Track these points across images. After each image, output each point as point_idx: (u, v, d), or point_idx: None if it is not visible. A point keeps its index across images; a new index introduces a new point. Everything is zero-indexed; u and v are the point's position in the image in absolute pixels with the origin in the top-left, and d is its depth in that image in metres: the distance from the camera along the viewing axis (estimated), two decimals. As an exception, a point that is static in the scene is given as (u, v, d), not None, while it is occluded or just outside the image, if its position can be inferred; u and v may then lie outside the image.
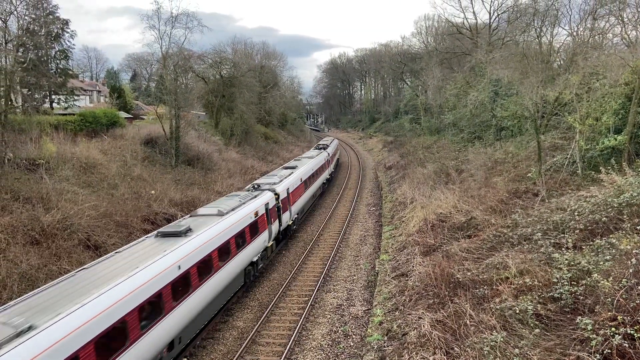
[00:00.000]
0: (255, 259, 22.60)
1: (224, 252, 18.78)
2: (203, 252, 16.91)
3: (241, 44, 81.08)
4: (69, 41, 40.50)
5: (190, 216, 20.93)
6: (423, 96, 66.01)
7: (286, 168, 36.35)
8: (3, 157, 25.56)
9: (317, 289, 22.58)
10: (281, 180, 29.28)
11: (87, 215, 23.21)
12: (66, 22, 39.51)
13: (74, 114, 38.82)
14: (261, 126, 73.13)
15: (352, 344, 17.51)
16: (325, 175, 45.50)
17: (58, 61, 40.55)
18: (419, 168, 41.10)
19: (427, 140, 55.64)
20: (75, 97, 43.05)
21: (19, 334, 9.82)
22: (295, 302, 21.43)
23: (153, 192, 30.36)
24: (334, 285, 23.21)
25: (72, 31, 40.10)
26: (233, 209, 21.29)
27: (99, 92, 78.75)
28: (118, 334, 12.03)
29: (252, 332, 18.50)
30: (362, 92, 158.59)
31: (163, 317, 14.10)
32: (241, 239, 20.63)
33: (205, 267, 17.04)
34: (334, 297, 21.77)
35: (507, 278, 14.05)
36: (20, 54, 30.85)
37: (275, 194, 26.60)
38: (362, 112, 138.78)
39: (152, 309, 13.69)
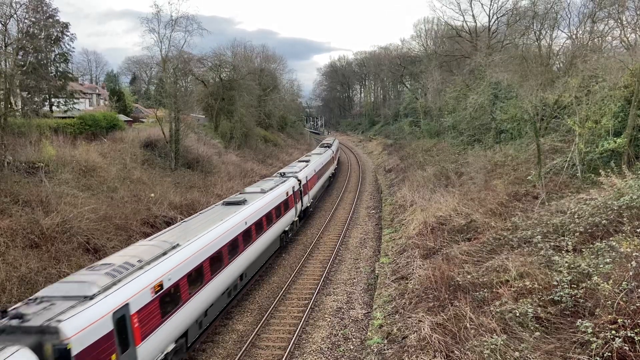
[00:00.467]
0: (286, 229, 28.93)
1: (269, 218, 24.93)
2: (257, 216, 23.08)
3: (241, 47, 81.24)
4: (68, 44, 40.62)
5: (240, 193, 27.03)
6: (423, 99, 66.10)
7: (301, 161, 42.90)
8: (3, 160, 25.57)
9: (317, 292, 22.55)
10: (301, 170, 35.80)
11: (87, 218, 23.20)
12: (66, 26, 39.59)
13: (73, 117, 38.85)
14: (261, 129, 73.18)
15: (352, 347, 17.49)
16: (331, 169, 52.29)
17: (58, 64, 40.65)
18: (419, 171, 41.13)
19: (426, 143, 55.66)
20: (75, 100, 43.06)
21: (174, 247, 15.98)
22: (295, 305, 21.41)
23: (153, 195, 30.35)
24: (333, 288, 23.18)
25: (72, 34, 40.24)
26: (271, 189, 27.44)
27: (98, 95, 78.84)
28: (218, 259, 18.26)
29: (252, 336, 18.48)
30: (362, 95, 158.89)
31: (238, 255, 20.27)
32: (277, 211, 26.53)
33: (259, 226, 23.25)
34: (333, 300, 21.74)
35: (507, 281, 14.04)
36: (20, 57, 30.91)
37: (298, 180, 32.78)
38: (362, 115, 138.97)
39: (232, 248, 19.74)
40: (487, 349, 11.00)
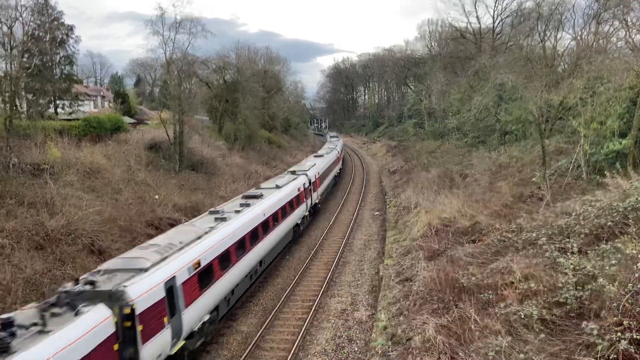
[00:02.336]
0: (298, 222, 30.97)
1: (283, 211, 27.05)
2: (273, 209, 25.28)
3: (245, 49, 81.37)
4: (73, 47, 40.80)
5: (256, 188, 29.25)
6: (427, 101, 66.05)
7: (308, 160, 45.44)
8: (8, 162, 25.73)
9: (321, 294, 22.56)
10: (310, 169, 37.64)
11: (91, 220, 23.31)
12: (71, 28, 39.83)
13: (78, 119, 39.03)
14: (265, 131, 73.25)
15: (356, 349, 17.49)
16: (336, 169, 54.20)
17: (63, 67, 40.83)
18: (423, 173, 41.09)
19: (431, 145, 55.62)
20: (80, 103, 43.23)
21: (207, 232, 18.49)
22: (300, 307, 21.43)
23: (157, 197, 30.47)
24: (338, 290, 23.20)
25: (77, 37, 40.42)
26: (285, 185, 29.76)
27: (103, 97, 79.19)
28: (242, 245, 20.53)
29: (256, 337, 18.51)
30: (366, 96, 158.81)
31: (258, 242, 22.51)
32: (290, 205, 28.65)
33: (275, 218, 25.30)
34: (338, 302, 21.75)
35: (512, 283, 14.02)
36: (25, 59, 31.10)
37: (308, 178, 34.74)
38: (366, 117, 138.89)
39: (253, 236, 21.96)
40: (492, 351, 11.00)
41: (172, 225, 27.21)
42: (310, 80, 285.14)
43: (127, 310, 12.44)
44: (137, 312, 12.67)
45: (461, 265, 17.37)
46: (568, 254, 14.39)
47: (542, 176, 23.63)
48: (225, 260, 18.73)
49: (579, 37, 35.76)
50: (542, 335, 11.24)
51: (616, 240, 13.83)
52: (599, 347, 9.73)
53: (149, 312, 13.18)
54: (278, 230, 25.90)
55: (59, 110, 41.65)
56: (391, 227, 31.82)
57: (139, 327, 12.74)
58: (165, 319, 14.02)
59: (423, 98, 68.36)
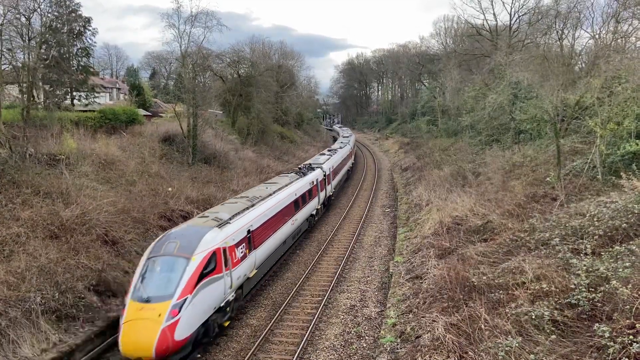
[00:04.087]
0: (313, 213, 33.53)
1: (303, 198, 30.46)
2: (297, 193, 29.20)
3: (259, 43, 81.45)
4: (90, 39, 41.12)
5: (281, 176, 33.55)
6: (441, 98, 65.53)
7: (322, 154, 48.15)
8: (25, 152, 26.06)
9: (331, 289, 22.62)
10: (324, 162, 40.30)
11: (106, 210, 23.56)
12: (88, 20, 40.12)
13: (94, 111, 39.41)
14: (277, 126, 73.35)
15: (364, 345, 17.51)
16: (349, 163, 57.27)
17: (80, 58, 41.19)
18: (436, 170, 40.88)
19: (444, 143, 55.26)
20: (96, 94, 43.62)
21: (253, 205, 22.99)
22: (309, 302, 21.50)
23: (170, 189, 30.69)
24: (347, 286, 23.23)
25: (94, 29, 40.72)
26: (305, 175, 33.54)
27: (118, 89, 79.82)
28: (294, 205, 27.89)
29: (266, 331, 18.62)
30: (379, 93, 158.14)
31: (291, 216, 27.28)
32: (309, 193, 32.07)
33: (296, 204, 28.71)
34: (347, 298, 21.78)
35: (524, 283, 13.92)
36: (42, 50, 31.43)
37: (323, 171, 37.51)
38: (379, 113, 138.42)
39: (289, 209, 27.04)
40: (502, 351, 10.94)
41: (185, 218, 27.56)
42: (323, 75, 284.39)
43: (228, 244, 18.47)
44: (232, 244, 18.83)
45: (472, 264, 17.28)
46: (581, 255, 14.24)
47: (556, 176, 23.36)
48: (266, 228, 23.24)
49: (597, 36, 35.18)
50: (553, 337, 11.15)
51: (631, 243, 13.66)
52: (611, 350, 9.63)
53: (241, 243, 19.81)
54: (302, 212, 29.87)
55: (75, 101, 42.11)
56: (402, 224, 31.77)
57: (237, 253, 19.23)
58: (247, 251, 20.35)
59: (437, 95, 67.82)
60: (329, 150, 52.67)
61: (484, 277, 15.38)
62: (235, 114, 59.44)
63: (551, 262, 14.47)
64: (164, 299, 15.23)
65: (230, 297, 18.65)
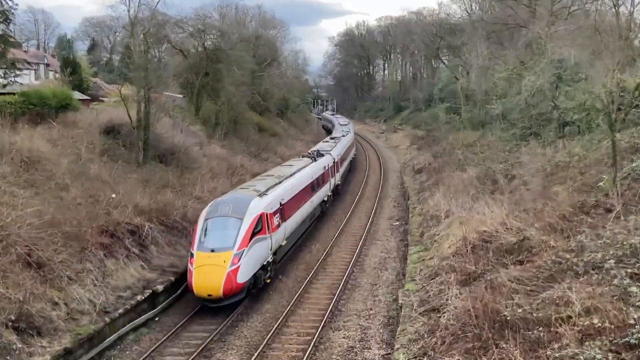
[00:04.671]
0: (325, 199, 41.20)
1: (317, 181, 38.82)
2: (317, 173, 39.33)
3: (231, 7, 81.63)
4: (9, 1, 40.74)
5: (293, 159, 44.81)
6: (464, 79, 65.93)
7: (326, 142, 58.61)
8: None
9: (323, 326, 22.63)
10: (332, 149, 49.72)
11: (29, 223, 23.28)
12: (6, -24, 39.74)
13: (14, 94, 39.11)
14: (254, 114, 73.35)
15: (366, 399, 17.50)
16: (352, 153, 66.93)
17: (-6, 25, 40.79)
18: (457, 172, 41.10)
19: (468, 136, 55.58)
20: (17, 72, 43.26)
21: (280, 182, 32.43)
22: (294, 342, 21.52)
23: (114, 196, 30.50)
24: (344, 322, 23.28)
25: (15, -13, 40.34)
26: (316, 160, 42.21)
27: (47, 65, 79.50)
28: (311, 187, 36.66)
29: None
30: (386, 72, 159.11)
31: (314, 193, 37.00)
32: (322, 178, 40.46)
33: (312, 186, 37.14)
34: (344, 337, 21.82)
35: (570, 317, 13.98)
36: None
37: (332, 157, 46.39)
38: (385, 99, 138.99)
39: (311, 186, 36.54)
40: (542, 406, 10.96)
41: (132, 233, 27.57)
42: (313, 49, 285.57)
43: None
44: (270, 212, 27.49)
45: (504, 293, 17.33)
46: (643, 281, 14.33)
47: (611, 180, 23.52)
48: (300, 197, 33.46)
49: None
50: (607, 387, 11.20)
51: None
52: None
53: (275, 213, 28.04)
54: (317, 195, 37.99)
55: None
56: (415, 241, 31.94)
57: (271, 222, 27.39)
58: (281, 222, 28.82)
59: (459, 76, 68.25)
60: (331, 138, 62.11)
61: (520, 310, 15.43)
62: (199, 99, 59.36)
63: (605, 291, 14.54)
64: (226, 249, 23.93)
65: (270, 259, 27.18)
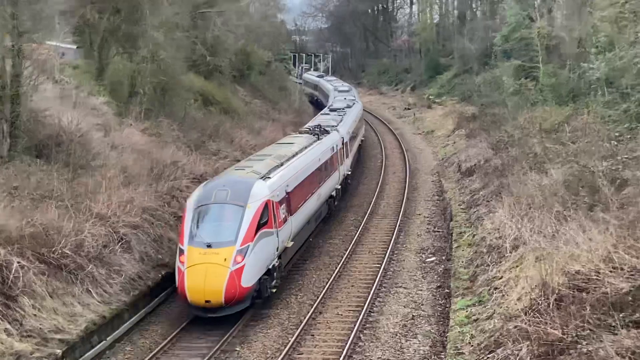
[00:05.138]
0: (333, 194, 48.88)
1: (326, 166, 46.46)
2: (323, 158, 45.93)
3: None
4: None
5: (290, 136, 52.58)
6: (544, 20, 66.17)
7: (326, 114, 67.95)
8: None
9: None
10: (338, 124, 57.35)
11: None
12: None
13: None
14: (197, 77, 73.25)
15: None
16: (361, 134, 75.04)
17: None
18: (533, 174, 41.02)
19: (550, 116, 55.74)
20: None
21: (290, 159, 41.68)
22: None
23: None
24: None
25: None
26: (321, 139, 48.89)
27: None
28: (318, 174, 44.14)
29: None
30: (415, 9, 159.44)
31: (322, 184, 44.46)
32: (330, 163, 48.03)
33: (322, 169, 44.69)
34: None
35: None
36: None
37: (340, 136, 53.91)
38: (413, 54, 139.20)
39: (318, 172, 44.07)
40: None
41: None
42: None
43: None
44: (277, 200, 32.75)
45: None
46: None
47: None
48: (306, 186, 39.64)
49: None
50: None
51: None
52: None
53: (282, 202, 33.87)
54: (325, 186, 45.12)
55: None
56: (462, 289, 32.06)
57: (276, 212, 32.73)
58: (287, 215, 34.50)
59: (535, 15, 68.51)
60: (332, 110, 69.47)
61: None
62: (104, 53, 59.14)
63: None
64: (227, 244, 28.93)
65: (275, 262, 32.75)
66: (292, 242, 35.73)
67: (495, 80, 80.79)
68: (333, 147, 49.46)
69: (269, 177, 33.56)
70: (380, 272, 37.03)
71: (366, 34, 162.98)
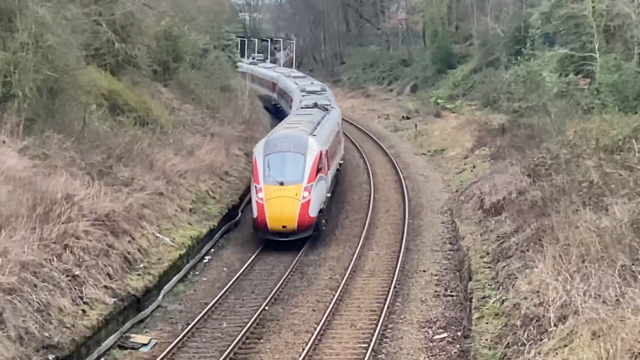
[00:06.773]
0: (338, 168, 77.32)
1: (335, 144, 75.33)
2: (334, 132, 78.61)
3: None
4: None
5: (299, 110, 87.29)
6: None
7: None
8: None
9: None
10: (330, 102, 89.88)
11: None
12: None
13: None
14: (101, 72, 73.24)
15: None
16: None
17: None
18: (587, 212, 41.15)
19: (611, 127, 56.08)
20: None
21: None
22: None
23: None
24: None
25: None
26: (328, 112, 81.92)
27: None
28: (333, 146, 76.39)
29: None
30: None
31: (332, 161, 72.40)
32: (338, 140, 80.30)
33: (335, 144, 76.25)
34: None
35: None
36: None
37: (338, 122, 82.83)
38: (412, 38, 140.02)
39: (334, 145, 76.58)
40: None
41: None
42: None
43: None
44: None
45: None
46: None
47: None
48: (330, 154, 65.17)
49: None
50: None
51: None
52: None
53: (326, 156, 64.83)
54: (333, 166, 65.31)
55: None
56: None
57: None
58: (327, 168, 64.08)
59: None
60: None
61: None
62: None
63: None
64: (295, 182, 55.14)
65: (324, 205, 57.96)
66: (329, 195, 59.35)
67: (532, 77, 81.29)
68: (339, 122, 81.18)
69: (314, 135, 57.51)
70: (368, 357, 36.74)
71: (346, 10, 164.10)
